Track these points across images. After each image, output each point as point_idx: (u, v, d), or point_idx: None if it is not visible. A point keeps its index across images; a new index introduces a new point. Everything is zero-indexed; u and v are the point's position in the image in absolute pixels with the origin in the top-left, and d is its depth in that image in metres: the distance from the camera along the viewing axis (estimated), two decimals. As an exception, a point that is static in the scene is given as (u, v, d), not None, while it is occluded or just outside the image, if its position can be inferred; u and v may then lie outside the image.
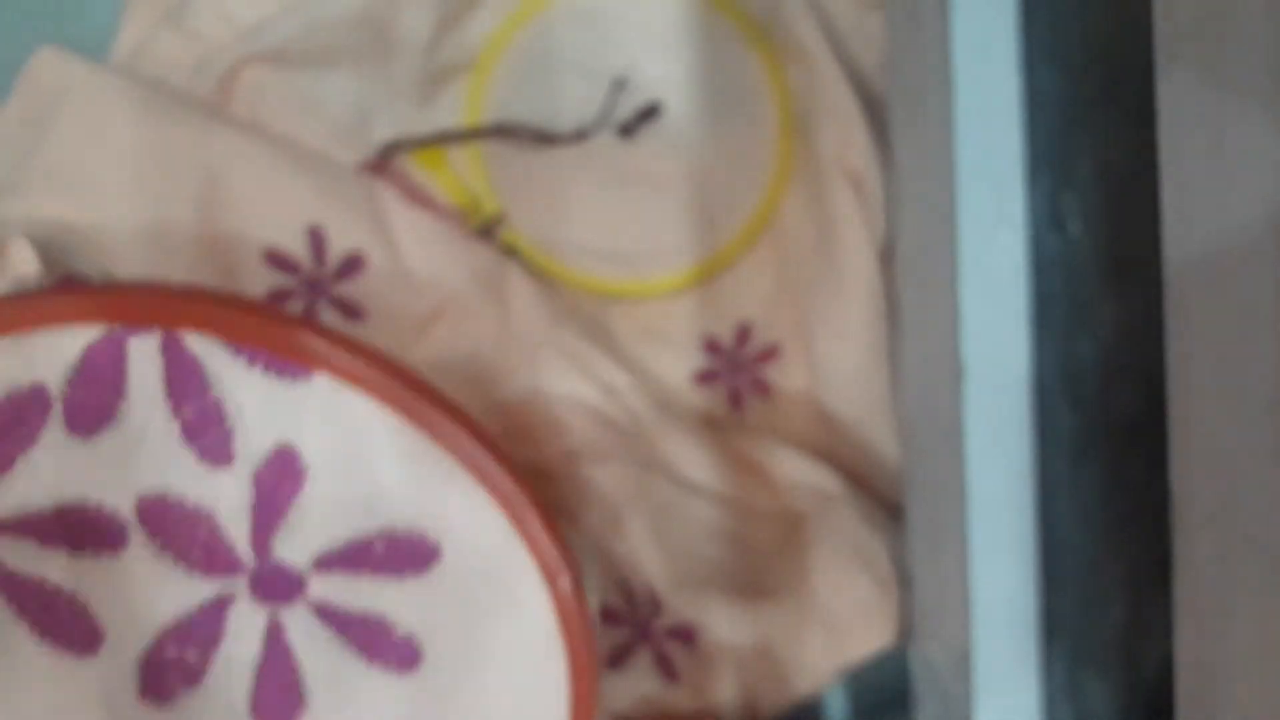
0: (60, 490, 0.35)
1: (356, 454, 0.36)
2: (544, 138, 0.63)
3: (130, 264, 0.57)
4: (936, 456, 0.54)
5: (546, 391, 0.62)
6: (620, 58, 0.63)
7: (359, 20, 0.61)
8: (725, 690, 0.59)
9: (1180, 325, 0.40)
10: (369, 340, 0.60)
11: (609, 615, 0.59)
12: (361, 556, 0.36)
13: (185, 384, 0.35)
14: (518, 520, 0.37)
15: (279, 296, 0.60)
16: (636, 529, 0.60)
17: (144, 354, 0.35)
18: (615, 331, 0.64)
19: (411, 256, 0.61)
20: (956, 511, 0.50)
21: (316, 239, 0.60)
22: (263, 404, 0.36)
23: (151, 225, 0.59)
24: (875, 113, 0.62)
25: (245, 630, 0.36)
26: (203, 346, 0.35)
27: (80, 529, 0.36)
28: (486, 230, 0.62)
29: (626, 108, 0.63)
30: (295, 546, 0.36)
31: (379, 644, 0.36)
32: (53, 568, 0.36)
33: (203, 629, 0.36)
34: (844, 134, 0.62)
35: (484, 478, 0.37)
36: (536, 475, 0.62)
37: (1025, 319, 0.50)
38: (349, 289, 0.60)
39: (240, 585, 0.36)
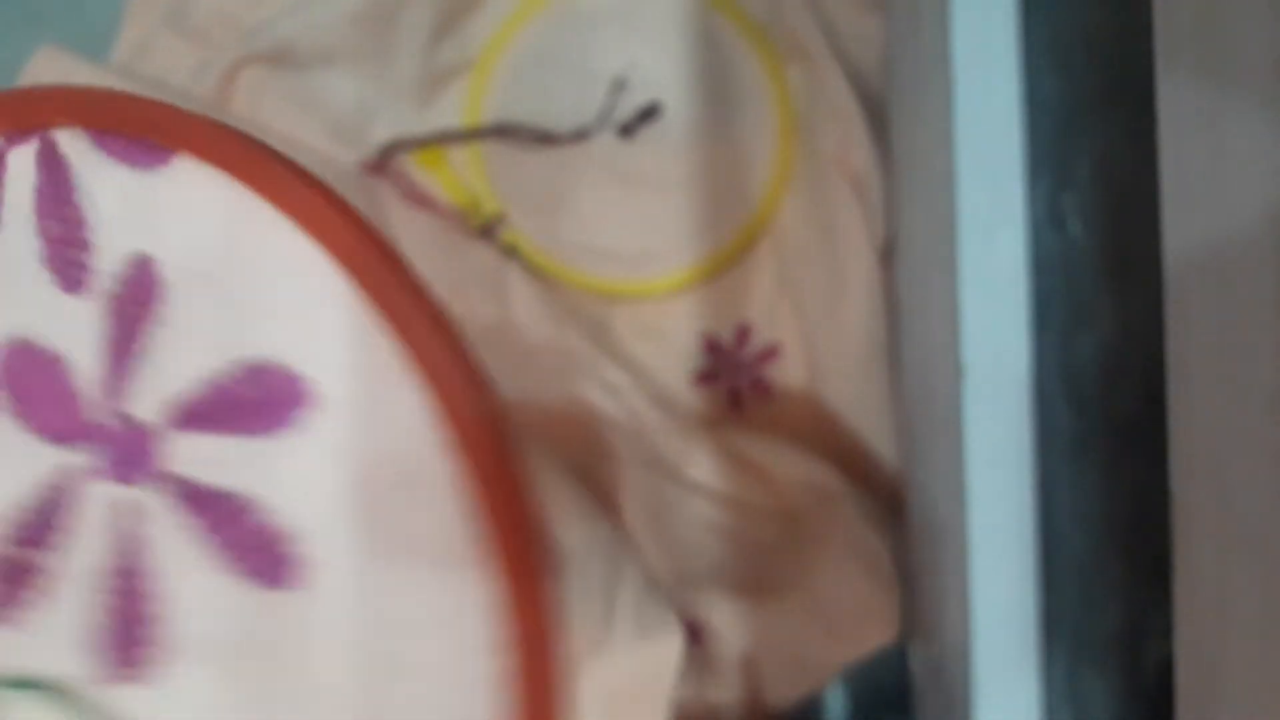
0: None
1: (220, 260, 0.30)
2: (544, 138, 0.63)
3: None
4: (936, 455, 0.54)
5: (547, 391, 0.62)
6: (620, 58, 0.63)
7: (359, 21, 0.61)
8: (727, 688, 0.60)
9: (1180, 324, 0.40)
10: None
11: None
12: (223, 402, 0.29)
13: (54, 193, 0.31)
14: (414, 346, 0.29)
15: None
16: (638, 528, 0.60)
17: (21, 165, 0.31)
18: (615, 331, 0.65)
19: (411, 256, 0.61)
20: (956, 511, 0.50)
21: (317, 239, 0.60)
22: (121, 205, 0.30)
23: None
24: (875, 113, 0.62)
25: (93, 521, 0.30)
26: (73, 146, 0.31)
27: None
28: (486, 230, 0.62)
29: (626, 108, 0.63)
30: (149, 394, 0.30)
31: (252, 541, 0.29)
32: None
33: (47, 518, 0.30)
34: (844, 134, 0.62)
35: (372, 285, 0.29)
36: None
37: (1025, 319, 0.50)
38: (349, 289, 0.60)
39: (89, 451, 0.30)
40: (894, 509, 0.62)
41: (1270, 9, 0.34)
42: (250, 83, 0.62)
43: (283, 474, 0.29)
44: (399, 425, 0.28)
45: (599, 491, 0.61)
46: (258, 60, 0.62)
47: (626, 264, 0.63)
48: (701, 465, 0.61)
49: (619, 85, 0.63)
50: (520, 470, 0.28)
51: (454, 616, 0.28)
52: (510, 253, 0.62)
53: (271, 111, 0.61)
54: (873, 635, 0.59)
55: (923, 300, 0.57)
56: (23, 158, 0.31)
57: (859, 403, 0.62)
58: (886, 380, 0.62)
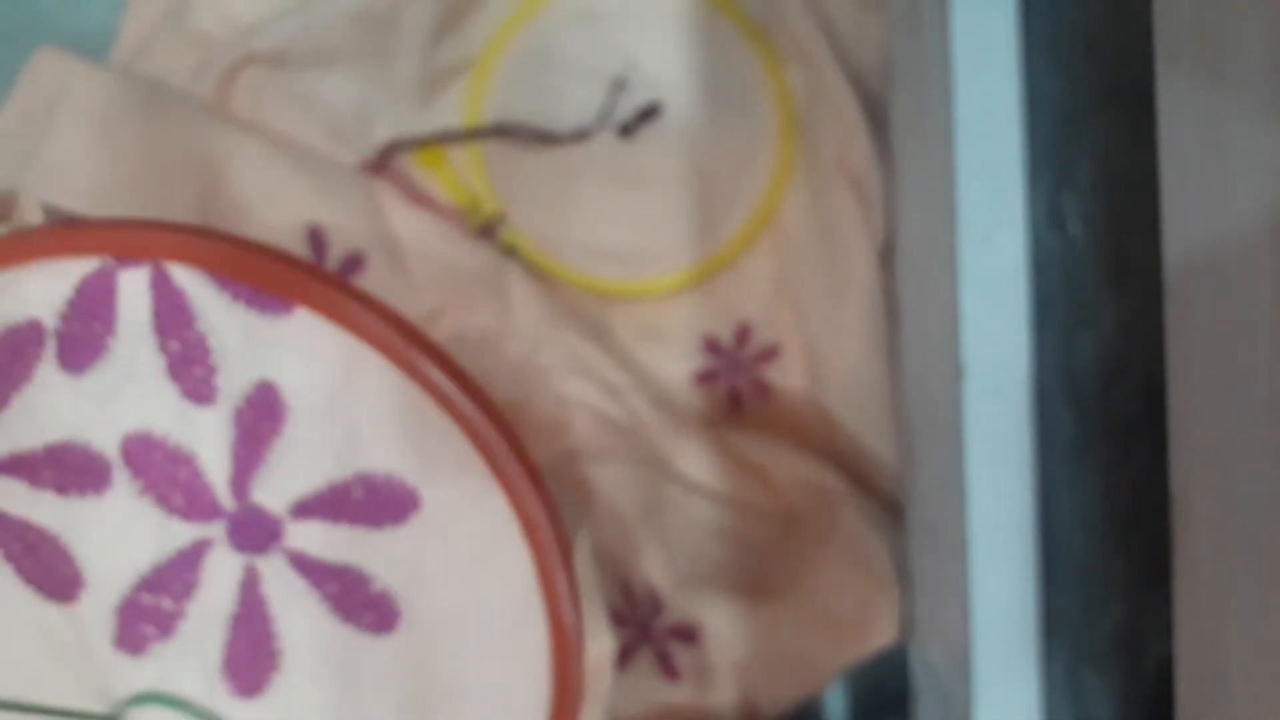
0: (51, 429, 0.36)
1: (336, 394, 0.35)
2: (544, 138, 0.63)
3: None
4: (936, 456, 0.54)
5: (546, 391, 0.62)
6: (620, 58, 0.63)
7: (359, 20, 0.61)
8: (726, 690, 0.60)
9: (1180, 325, 0.40)
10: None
11: (610, 615, 0.59)
12: (339, 503, 0.36)
13: (172, 318, 0.35)
14: (498, 470, 0.36)
15: (279, 296, 0.60)
16: (637, 529, 0.60)
17: (134, 287, 0.35)
18: (615, 331, 0.64)
19: (412, 257, 0.61)
20: (956, 511, 0.50)
21: (317, 239, 0.60)
22: (245, 339, 0.35)
23: (151, 225, 0.59)
24: (875, 112, 0.62)
25: (221, 579, 0.36)
26: (189, 280, 0.35)
27: (67, 469, 0.36)
28: (486, 230, 0.63)
29: (626, 108, 0.63)
30: (273, 490, 0.36)
31: (355, 599, 0.36)
32: (40, 509, 0.36)
33: (180, 576, 0.36)
34: (844, 134, 0.62)
35: (464, 423, 0.36)
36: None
37: (1025, 319, 0.50)
38: (349, 289, 0.60)
39: (218, 530, 0.36)
40: (894, 509, 0.61)
41: (1269, 9, 0.33)
42: (250, 83, 0.62)
43: (384, 555, 0.36)
44: (484, 525, 0.35)
45: (599, 492, 0.61)
46: (258, 60, 0.61)
47: (626, 264, 0.63)
48: (700, 465, 0.61)
49: (619, 85, 0.63)
50: (570, 560, 0.36)
51: (516, 656, 0.36)
52: (510, 253, 0.62)
53: (271, 111, 0.62)
54: (872, 636, 0.58)
55: (922, 300, 0.57)
56: (135, 280, 0.35)
57: (859, 403, 0.62)
58: (886, 380, 0.62)
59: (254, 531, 0.36)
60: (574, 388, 0.62)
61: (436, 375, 0.35)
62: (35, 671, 0.36)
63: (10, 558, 0.36)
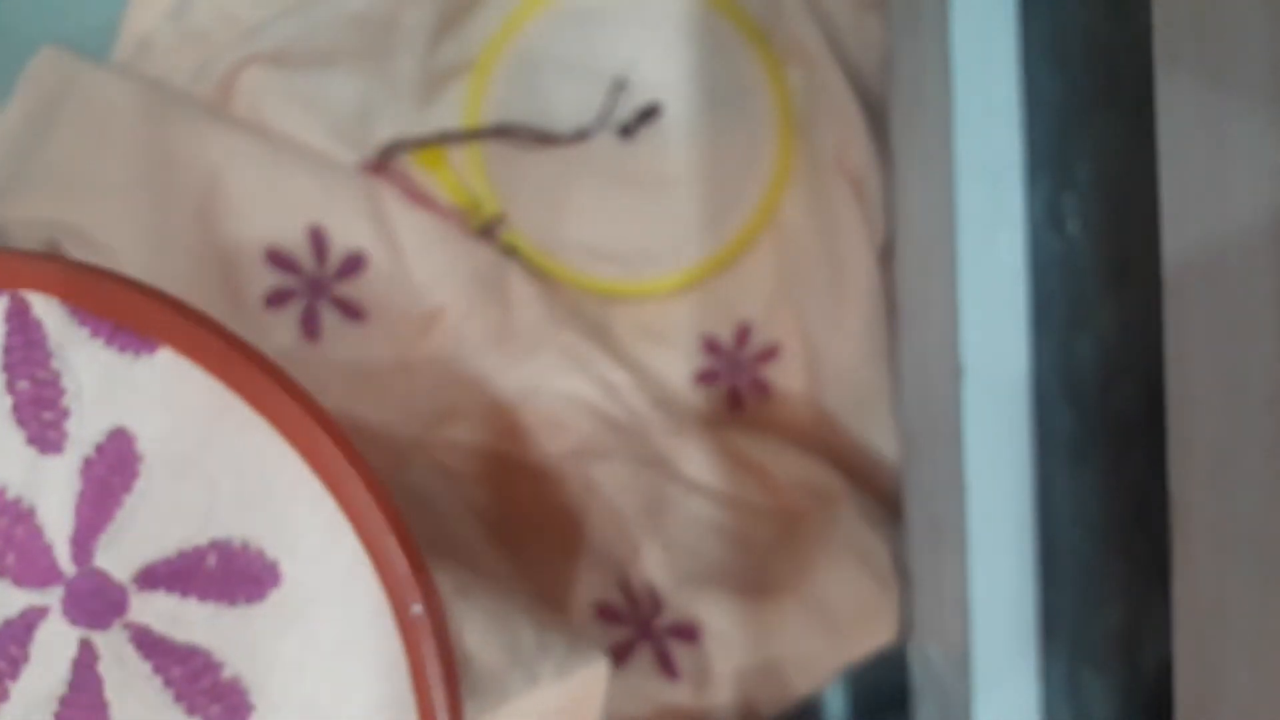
0: None
1: (197, 446, 0.32)
2: (544, 138, 0.63)
3: (131, 264, 0.57)
4: (936, 455, 0.54)
5: (547, 391, 0.62)
6: (620, 58, 0.63)
7: (360, 21, 0.61)
8: (726, 688, 0.60)
9: (1179, 325, 0.40)
10: (370, 340, 0.61)
11: (610, 613, 0.59)
12: (191, 573, 0.32)
13: (24, 354, 0.32)
14: (373, 550, 0.32)
15: (280, 296, 0.60)
16: (637, 528, 0.60)
17: None
18: (615, 331, 0.64)
19: (413, 256, 0.61)
20: (956, 510, 0.50)
21: (318, 239, 0.60)
22: (102, 380, 0.32)
23: (152, 225, 0.59)
24: (875, 113, 0.62)
25: (53, 655, 0.32)
26: (48, 311, 0.32)
27: None
28: (487, 230, 0.62)
29: (626, 108, 0.63)
30: (119, 554, 0.32)
31: (202, 687, 0.32)
32: None
33: (4, 650, 0.32)
34: (844, 134, 0.62)
35: (339, 491, 0.32)
36: (537, 474, 0.62)
37: (1024, 319, 0.50)
38: (350, 289, 0.60)
39: (54, 597, 0.32)
40: (894, 509, 0.62)
41: (1269, 9, 0.34)
42: (251, 83, 0.62)
43: (239, 636, 0.32)
44: (355, 608, 0.32)
45: (599, 491, 0.61)
46: (259, 60, 0.61)
47: (626, 264, 0.63)
48: (701, 465, 0.61)
49: (619, 86, 0.63)
50: (451, 659, 0.32)
51: None
52: (510, 253, 0.62)
53: (272, 111, 0.61)
54: (873, 635, 0.59)
55: (922, 300, 0.57)
56: None
57: (858, 403, 0.62)
58: (886, 380, 0.62)
59: (94, 601, 0.32)
60: (574, 387, 0.62)
61: (315, 434, 0.32)
62: None
63: None
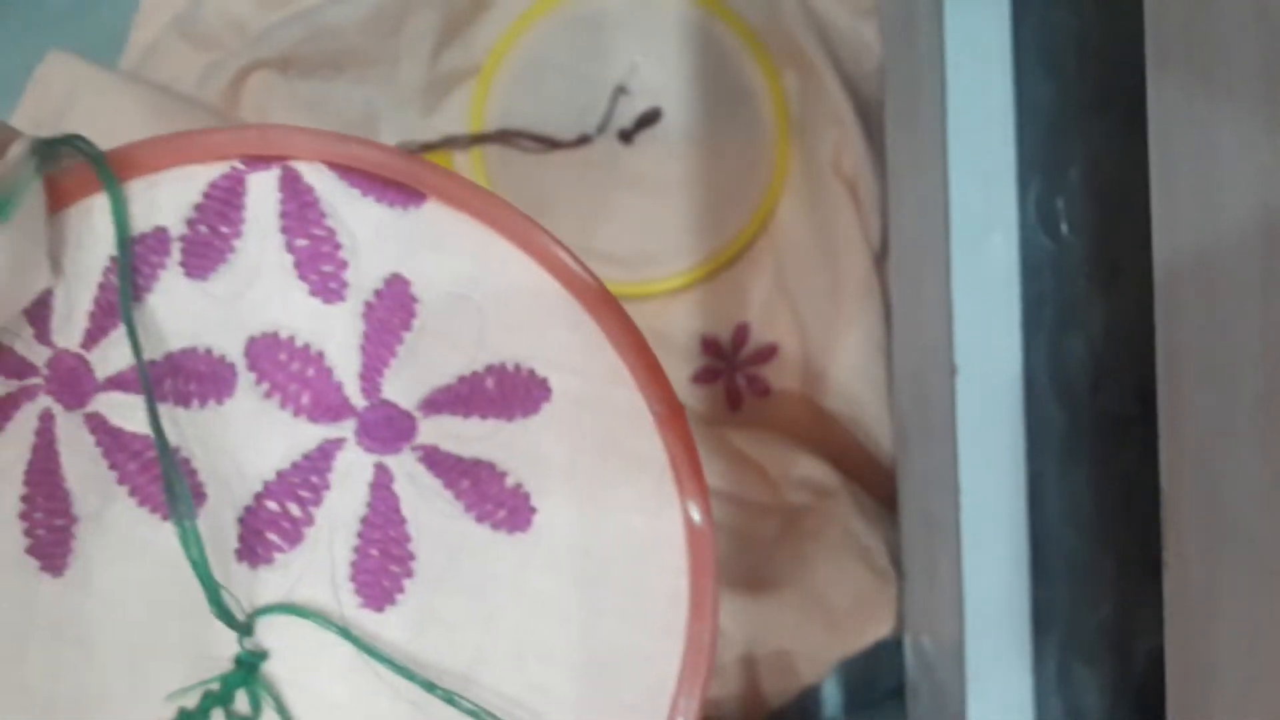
0: (173, 337, 0.35)
1: (466, 284, 0.35)
2: (546, 143, 0.64)
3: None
4: (930, 452, 0.55)
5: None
6: (621, 65, 0.64)
7: (365, 26, 0.62)
8: (728, 682, 0.60)
9: (1170, 325, 0.40)
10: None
11: None
12: (471, 396, 0.35)
13: (300, 216, 0.35)
14: (626, 358, 0.36)
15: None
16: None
17: (263, 188, 0.35)
18: (615, 331, 0.64)
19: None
20: (949, 506, 0.51)
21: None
22: (374, 234, 0.36)
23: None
24: (870, 117, 0.63)
25: (352, 480, 0.35)
26: (318, 178, 0.35)
27: (189, 377, 0.36)
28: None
29: (627, 113, 0.64)
30: (405, 386, 0.35)
31: (489, 496, 0.35)
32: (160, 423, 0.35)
33: (307, 479, 0.36)
34: (840, 138, 0.63)
35: (593, 310, 0.36)
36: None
37: (1016, 319, 0.50)
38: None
39: (348, 429, 0.35)
40: (890, 505, 0.62)
41: (1258, 15, 0.34)
42: (258, 87, 0.62)
43: (518, 447, 0.35)
44: (617, 414, 0.35)
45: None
46: (265, 65, 0.62)
47: (627, 266, 0.64)
48: (701, 463, 0.61)
49: (620, 91, 0.63)
50: (697, 461, 0.36)
51: (652, 548, 0.35)
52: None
53: (278, 116, 0.62)
54: (869, 629, 0.59)
55: (916, 301, 0.57)
56: (264, 182, 0.35)
57: (854, 401, 0.63)
58: (882, 379, 0.63)
59: (385, 429, 0.35)
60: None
61: (567, 259, 0.35)
62: (156, 598, 0.35)
63: (124, 479, 0.35)
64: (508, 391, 0.35)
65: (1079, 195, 0.51)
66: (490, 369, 0.35)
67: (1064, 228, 0.51)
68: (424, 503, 0.35)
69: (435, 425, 0.35)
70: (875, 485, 0.63)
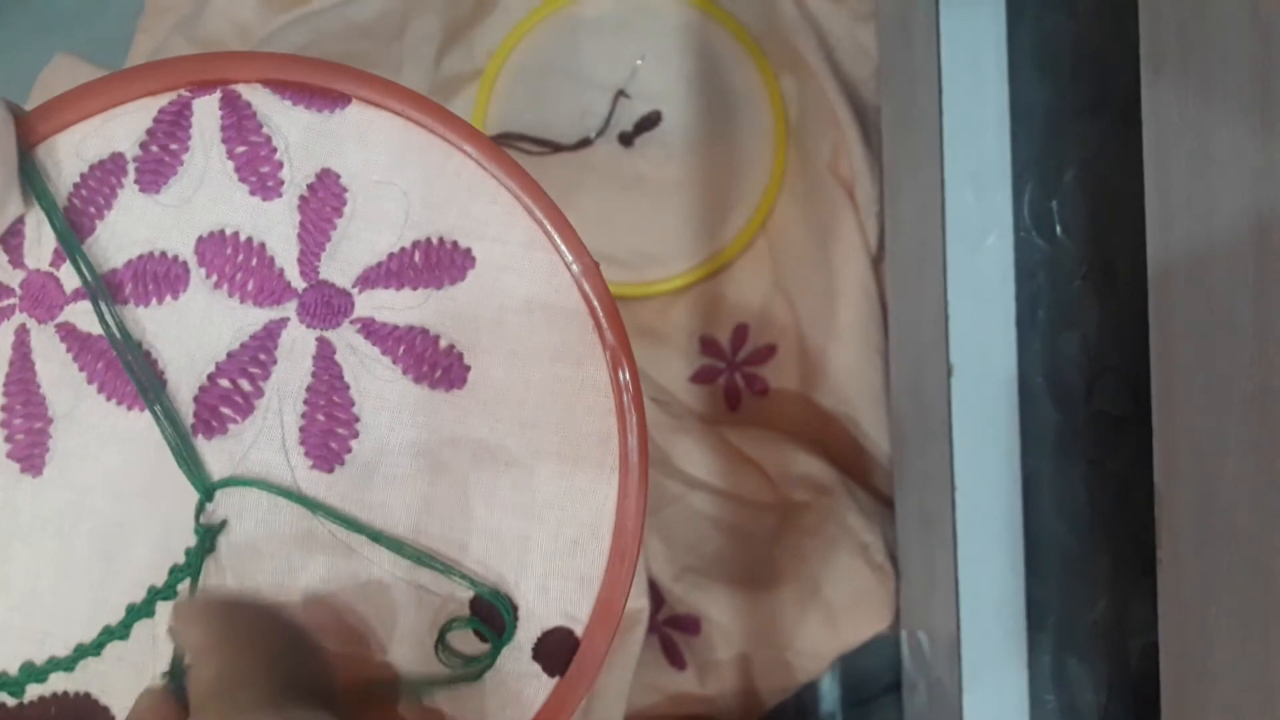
0: (131, 246, 0.38)
1: (390, 171, 0.39)
2: (548, 146, 0.64)
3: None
4: (926, 450, 0.55)
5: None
6: (621, 69, 0.64)
7: (367, 31, 0.62)
8: (729, 677, 0.61)
9: (1163, 325, 0.41)
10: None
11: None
12: (401, 270, 0.38)
13: (239, 128, 0.39)
14: (540, 223, 0.39)
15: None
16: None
17: (206, 109, 0.39)
18: (615, 332, 0.64)
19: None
20: (945, 504, 0.51)
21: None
22: (305, 135, 0.39)
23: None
24: (867, 121, 0.63)
25: (296, 353, 0.38)
26: (255, 95, 0.39)
27: (146, 279, 0.38)
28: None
29: (627, 117, 0.64)
30: (340, 266, 0.38)
31: (425, 358, 0.38)
32: (122, 322, 0.38)
33: (255, 356, 0.38)
34: (837, 142, 0.63)
35: (509, 181, 0.39)
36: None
37: (1011, 319, 0.50)
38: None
39: (290, 309, 0.38)
40: (887, 502, 0.63)
41: (1252, 20, 0.35)
42: (261, 91, 0.62)
43: (448, 311, 0.38)
44: (537, 274, 0.38)
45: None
46: (268, 69, 0.62)
47: (627, 267, 0.64)
48: (699, 462, 0.62)
49: (620, 95, 0.64)
50: (616, 313, 0.38)
51: (580, 391, 0.38)
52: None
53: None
54: (867, 624, 0.59)
55: (913, 301, 0.58)
56: (206, 104, 0.39)
57: (852, 400, 0.63)
58: (878, 378, 0.63)
59: (324, 306, 0.38)
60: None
61: (484, 143, 0.39)
62: (125, 484, 0.38)
63: (93, 378, 0.38)
64: (434, 263, 0.39)
65: (1073, 197, 0.51)
66: (417, 244, 0.38)
67: (1058, 229, 0.51)
68: (364, 369, 0.38)
69: (370, 299, 0.38)
70: (872, 482, 0.64)
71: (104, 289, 0.38)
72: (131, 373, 0.37)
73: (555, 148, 0.63)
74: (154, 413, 0.37)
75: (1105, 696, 0.51)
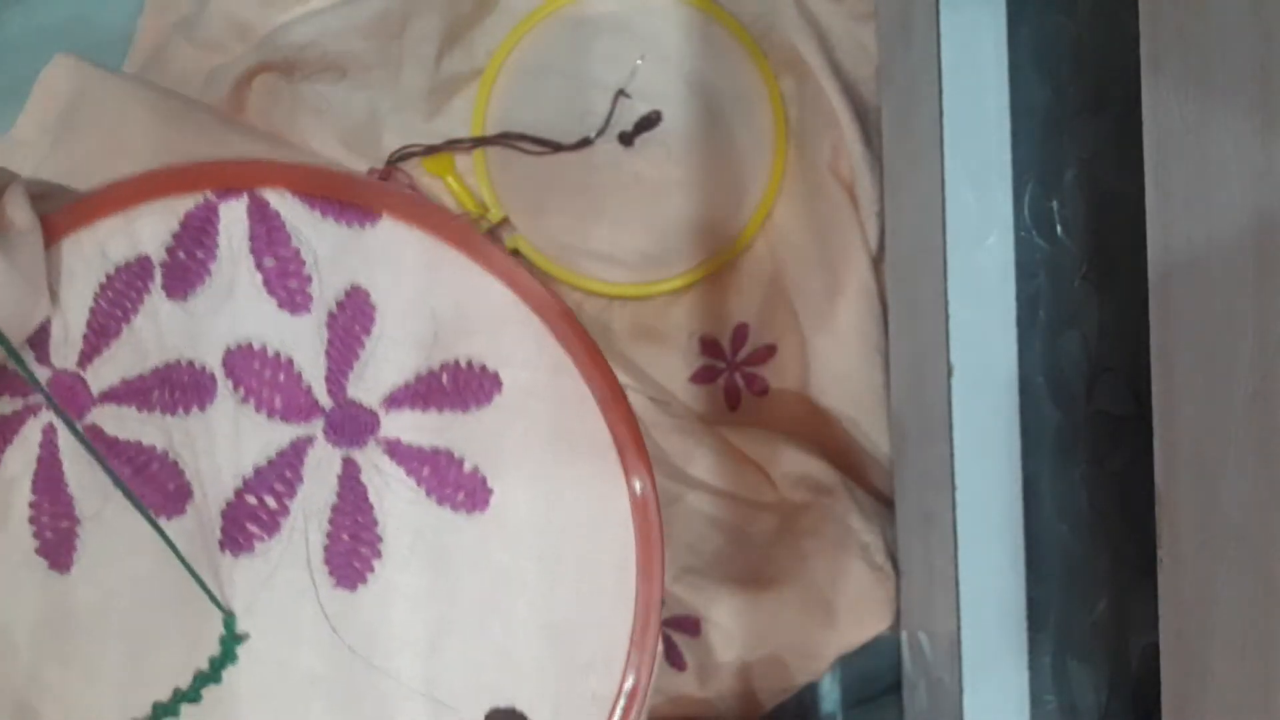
0: (158, 353, 0.39)
1: (420, 291, 0.39)
2: (548, 146, 0.64)
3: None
4: (926, 450, 0.55)
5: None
6: (621, 69, 0.64)
7: (369, 31, 0.62)
8: (729, 678, 0.61)
9: (1164, 324, 0.41)
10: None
11: None
12: (428, 391, 0.39)
13: (268, 239, 0.39)
14: (571, 351, 0.39)
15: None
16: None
17: (233, 215, 0.39)
18: (615, 331, 0.65)
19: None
20: (946, 504, 0.51)
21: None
22: (335, 250, 0.39)
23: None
24: (867, 120, 0.63)
25: (322, 472, 0.39)
26: (283, 204, 0.39)
27: (174, 387, 0.39)
28: (491, 234, 0.63)
29: (627, 117, 0.64)
30: (367, 385, 0.39)
31: (449, 480, 0.39)
32: (149, 431, 0.39)
33: (282, 474, 0.39)
34: (837, 141, 0.63)
35: (538, 309, 0.39)
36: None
37: (1011, 319, 0.50)
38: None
39: (317, 428, 0.39)
40: (887, 502, 0.63)
41: (1253, 19, 0.34)
42: (262, 91, 0.62)
43: (474, 435, 0.39)
44: (562, 400, 0.39)
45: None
46: (269, 69, 0.62)
47: (627, 267, 0.64)
48: (700, 462, 0.62)
49: (620, 95, 0.64)
50: (640, 438, 0.39)
51: (602, 521, 0.39)
52: (514, 256, 0.63)
53: (282, 119, 0.62)
54: (868, 625, 0.59)
55: (913, 301, 0.58)
56: (234, 210, 0.39)
57: (852, 400, 0.63)
58: (879, 378, 0.63)
59: (351, 425, 0.39)
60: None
61: (514, 269, 0.39)
62: (152, 589, 0.39)
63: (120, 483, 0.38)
64: (462, 386, 0.39)
65: (1073, 197, 0.51)
66: (445, 366, 0.39)
67: (1058, 229, 0.51)
68: (389, 490, 0.39)
69: (396, 419, 0.39)
70: (873, 482, 0.64)
71: (56, 404, 0.37)
72: (131, 498, 0.37)
73: (555, 147, 0.63)
74: (166, 539, 0.37)
75: (1106, 696, 0.51)
